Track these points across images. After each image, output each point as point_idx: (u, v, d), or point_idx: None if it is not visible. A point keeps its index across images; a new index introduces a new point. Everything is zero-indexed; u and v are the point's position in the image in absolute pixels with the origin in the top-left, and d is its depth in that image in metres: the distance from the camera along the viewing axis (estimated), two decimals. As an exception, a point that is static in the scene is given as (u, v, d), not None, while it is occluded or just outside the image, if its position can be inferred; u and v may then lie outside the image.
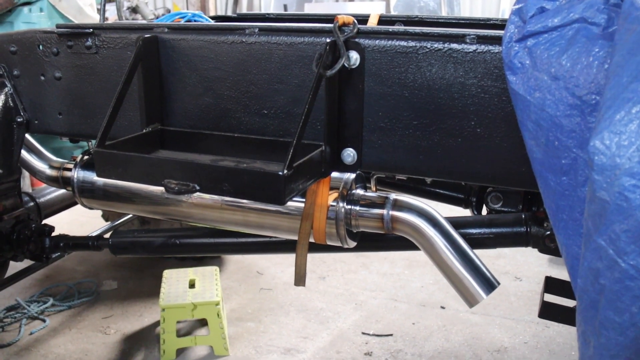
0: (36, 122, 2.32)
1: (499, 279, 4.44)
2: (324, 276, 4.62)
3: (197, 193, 2.15)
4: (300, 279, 2.12)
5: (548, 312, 2.35)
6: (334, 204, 2.04)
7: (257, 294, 4.33)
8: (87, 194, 2.40)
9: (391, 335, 3.81)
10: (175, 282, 3.72)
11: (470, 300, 2.03)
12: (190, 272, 3.85)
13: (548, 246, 2.32)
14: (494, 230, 2.37)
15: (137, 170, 1.70)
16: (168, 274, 3.83)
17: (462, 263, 2.02)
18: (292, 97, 1.85)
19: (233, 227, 2.24)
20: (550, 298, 2.41)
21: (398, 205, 2.03)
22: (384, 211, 2.03)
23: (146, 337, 3.79)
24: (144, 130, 1.99)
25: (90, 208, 2.54)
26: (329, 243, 2.11)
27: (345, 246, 2.13)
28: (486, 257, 4.96)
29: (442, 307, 4.19)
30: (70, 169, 2.52)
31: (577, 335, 1.62)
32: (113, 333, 3.82)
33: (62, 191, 3.36)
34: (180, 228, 3.05)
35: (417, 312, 4.11)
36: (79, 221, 5.08)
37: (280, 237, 2.27)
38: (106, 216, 4.70)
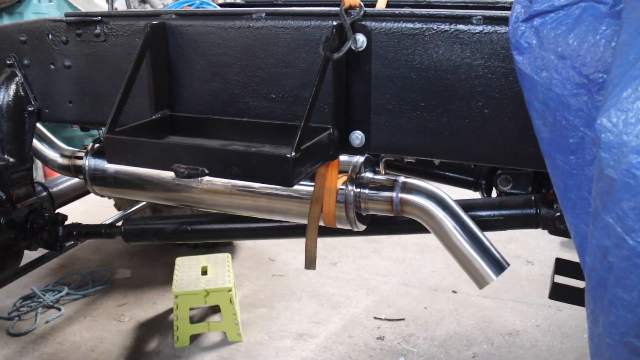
0: (47, 110, 2.34)
1: (511, 263, 4.46)
2: (336, 262, 4.64)
3: (207, 178, 2.18)
4: (310, 262, 2.13)
5: (558, 293, 2.35)
6: (343, 187, 2.04)
7: (269, 280, 4.35)
8: (98, 181, 2.42)
9: (403, 319, 3.83)
10: (187, 269, 3.75)
11: (480, 282, 2.04)
12: (202, 259, 3.88)
13: (558, 227, 2.32)
14: (503, 212, 2.37)
15: (147, 156, 1.71)
16: (181, 262, 3.86)
17: (472, 245, 2.02)
18: (300, 80, 1.85)
19: (243, 212, 2.26)
20: (560, 280, 2.41)
21: (407, 188, 2.04)
22: (393, 194, 2.04)
23: (160, 324, 3.83)
24: (153, 117, 2.00)
25: (102, 196, 2.56)
26: (338, 226, 2.12)
27: (355, 229, 2.14)
28: (498, 241, 4.94)
29: (454, 292, 4.20)
30: (81, 157, 2.54)
31: (586, 314, 1.63)
32: (127, 320, 3.86)
33: (75, 180, 3.39)
34: (192, 215, 3.07)
35: (429, 297, 4.13)
36: (92, 211, 5.10)
37: (291, 221, 2.28)
38: (118, 205, 4.74)
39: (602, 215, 1.47)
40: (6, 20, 4.51)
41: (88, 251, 4.84)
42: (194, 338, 3.62)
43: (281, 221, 2.52)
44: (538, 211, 2.35)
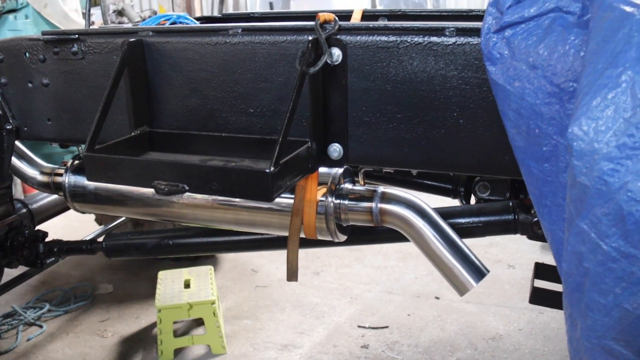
0: (25, 128, 2.34)
1: (492, 268, 4.49)
2: (318, 271, 4.65)
3: (188, 193, 2.20)
4: (292, 274, 2.14)
5: (538, 297, 2.38)
6: (323, 199, 2.06)
7: (252, 292, 4.36)
8: (79, 198, 2.42)
9: (387, 327, 3.85)
10: (170, 282, 3.74)
11: (461, 289, 2.07)
12: (185, 273, 3.88)
13: (536, 232, 2.36)
14: (482, 218, 2.40)
15: (127, 173, 1.72)
16: (163, 275, 3.86)
17: (451, 252, 2.05)
18: (278, 95, 1.87)
19: (225, 226, 2.27)
20: (540, 284, 2.44)
21: (386, 198, 2.07)
22: (373, 204, 2.06)
23: (144, 339, 3.82)
24: (133, 134, 2.01)
25: (83, 212, 2.56)
26: (319, 238, 2.14)
27: (336, 240, 2.16)
28: (478, 246, 5.01)
29: (437, 298, 4.23)
30: (61, 174, 2.55)
31: (564, 318, 1.66)
32: (110, 336, 3.85)
33: (54, 197, 3.37)
34: (173, 229, 3.07)
35: (412, 304, 4.15)
36: (72, 226, 5.09)
37: (272, 233, 2.30)
38: (99, 220, 4.72)
39: (577, 222, 1.50)
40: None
41: (69, 267, 4.81)
42: (177, 352, 3.61)
43: (263, 233, 2.54)
44: (516, 217, 2.39)
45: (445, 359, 3.52)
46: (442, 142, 1.76)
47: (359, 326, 3.87)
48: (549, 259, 4.66)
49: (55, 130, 2.27)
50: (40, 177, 2.68)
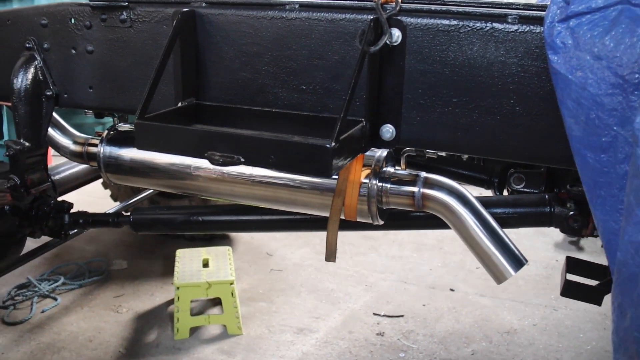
0: (66, 95, 2.32)
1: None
2: (333, 258, 4.64)
3: (227, 168, 2.19)
4: (331, 254, 2.14)
5: (570, 290, 2.38)
6: (366, 180, 2.06)
7: (267, 275, 4.36)
8: (112, 168, 2.40)
9: (402, 316, 3.85)
10: (188, 261, 3.74)
11: (499, 277, 2.06)
12: (203, 252, 3.87)
13: (571, 226, 2.36)
14: (518, 210, 2.40)
15: (179, 142, 1.71)
16: (181, 254, 3.85)
17: (491, 240, 2.04)
18: (332, 73, 1.86)
19: (263, 204, 2.26)
20: (571, 277, 2.44)
21: (429, 183, 2.06)
22: (415, 189, 2.05)
23: (158, 316, 3.82)
24: (180, 105, 1.99)
25: (115, 183, 2.55)
26: (359, 220, 2.13)
27: (376, 223, 2.16)
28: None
29: (452, 290, 4.23)
30: (95, 145, 2.53)
31: (612, 308, 1.66)
32: (125, 312, 3.85)
33: (76, 169, 3.38)
34: (203, 205, 3.06)
35: (427, 294, 4.15)
36: (86, 201, 5.07)
37: (311, 213, 2.30)
38: (115, 196, 4.71)
39: (637, 211, 1.49)
40: (16, 5, 4.45)
41: (83, 241, 4.81)
42: (193, 330, 3.61)
43: (295, 213, 2.53)
44: (552, 209, 2.39)
45: (460, 350, 3.53)
46: (497, 128, 1.75)
47: (375, 314, 3.87)
48: (562, 257, 4.67)
49: (96, 98, 2.25)
50: (73, 147, 2.67)
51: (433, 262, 4.65)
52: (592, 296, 2.35)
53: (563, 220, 2.36)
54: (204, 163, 2.22)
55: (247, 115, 1.97)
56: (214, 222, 2.67)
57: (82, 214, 2.92)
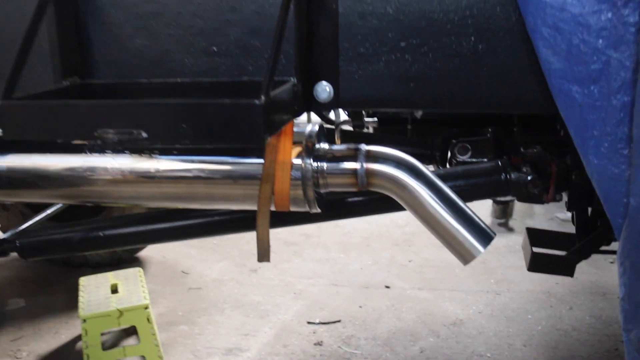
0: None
1: (439, 254, 4.25)
2: (256, 268, 4.27)
3: (130, 164, 1.79)
4: (264, 253, 1.78)
5: (538, 263, 2.13)
6: (298, 161, 1.72)
7: (185, 295, 3.92)
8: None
9: (339, 321, 3.52)
10: (94, 289, 3.26)
11: (466, 257, 1.76)
12: (110, 277, 3.40)
13: (530, 192, 2.10)
14: (470, 181, 2.12)
15: (60, 122, 1.31)
16: (85, 281, 3.36)
17: (453, 215, 1.74)
18: (248, 27, 1.51)
19: (177, 204, 1.89)
20: (537, 250, 2.19)
21: (372, 156, 1.75)
22: (357, 164, 1.74)
23: (66, 356, 3.31)
24: (60, 85, 1.58)
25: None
26: (292, 209, 1.79)
27: (313, 211, 1.82)
28: (420, 233, 4.78)
29: (387, 287, 3.94)
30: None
31: (619, 271, 1.39)
32: (25, 356, 3.31)
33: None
34: (102, 219, 2.63)
35: (362, 295, 3.84)
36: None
37: (235, 208, 1.94)
38: (4, 227, 4.14)
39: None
40: None
41: (-32, 283, 4.20)
42: (107, 367, 3.14)
43: (215, 213, 2.16)
44: (508, 177, 2.12)
45: (408, 349, 3.23)
46: (457, 74, 1.45)
47: (309, 322, 3.51)
48: (495, 240, 4.48)
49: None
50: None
51: (362, 260, 4.35)
52: (563, 267, 2.10)
53: (521, 187, 2.10)
54: (99, 162, 1.82)
55: (147, 90, 1.59)
56: (118, 237, 2.25)
57: (-46, 246, 2.42)
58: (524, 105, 1.48)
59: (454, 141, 2.31)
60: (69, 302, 3.82)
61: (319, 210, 1.82)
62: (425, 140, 2.44)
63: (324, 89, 1.48)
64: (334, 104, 1.50)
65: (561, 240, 2.22)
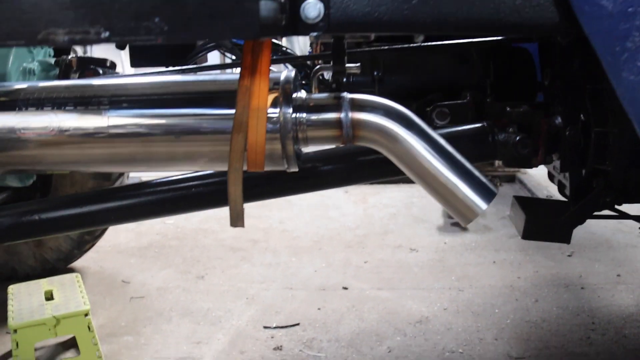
0: None
1: (394, 253, 4.07)
2: (202, 275, 3.96)
3: (73, 123, 1.52)
4: (237, 216, 1.53)
5: (533, 230, 1.95)
6: (275, 110, 1.49)
7: (127, 305, 3.57)
8: None
9: (298, 324, 3.26)
10: (26, 296, 2.90)
11: (467, 215, 1.55)
12: (44, 283, 3.05)
13: (520, 153, 1.92)
14: (456, 145, 1.92)
15: None
16: (15, 289, 3.00)
17: (452, 170, 1.54)
18: None
19: (130, 167, 1.62)
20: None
21: (357, 105, 1.54)
22: (341, 114, 1.53)
23: (-8, 376, 2.94)
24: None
25: None
26: (267, 168, 1.55)
27: (291, 170, 1.59)
28: (372, 234, 4.59)
29: (345, 288, 3.71)
30: None
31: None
32: (-56, 378, 2.92)
33: None
34: (35, 201, 2.31)
35: (319, 297, 3.60)
36: None
37: (200, 169, 1.68)
38: None
39: None
40: None
41: None
42: (42, 384, 2.79)
43: (172, 185, 1.90)
44: (495, 138, 1.94)
45: (374, 350, 3.00)
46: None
47: (265, 327, 3.24)
48: (449, 240, 4.34)
49: None
50: None
51: (316, 263, 4.11)
52: (559, 233, 1.93)
53: (510, 148, 1.92)
54: (34, 119, 1.55)
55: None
56: (59, 220, 1.94)
57: None
58: (541, 26, 1.29)
59: (432, 107, 2.13)
60: (-2, 315, 3.44)
61: (296, 169, 1.59)
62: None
63: (313, 5, 1.25)
64: (323, 26, 1.27)
65: (552, 207, 2.05)
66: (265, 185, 1.83)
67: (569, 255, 4.11)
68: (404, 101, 1.98)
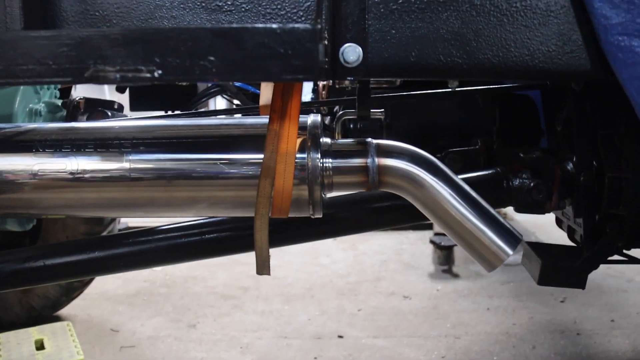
0: None
1: (387, 301, 4.04)
2: (194, 324, 3.87)
3: (93, 165, 1.49)
4: (263, 264, 1.49)
5: (549, 275, 1.93)
6: (303, 155, 1.47)
7: (117, 354, 3.47)
8: None
9: (295, 374, 3.19)
10: (15, 345, 2.80)
11: (492, 261, 1.53)
12: (34, 332, 2.94)
13: (535, 199, 1.92)
14: (470, 191, 1.93)
15: (41, 59, 0.99)
16: (4, 338, 2.89)
17: (477, 216, 1.52)
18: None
19: (148, 212, 1.58)
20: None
21: (383, 151, 1.53)
22: (368, 160, 1.51)
23: None
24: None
25: None
26: (291, 215, 1.52)
27: (315, 216, 1.56)
28: (364, 282, 4.54)
29: (340, 337, 3.64)
30: None
31: None
32: None
33: None
34: (39, 246, 2.24)
35: (315, 346, 3.53)
36: None
37: (222, 215, 1.65)
38: None
39: None
40: None
41: None
42: None
43: (189, 230, 1.86)
44: (509, 184, 1.94)
45: (375, 400, 2.94)
46: (517, 31, 1.25)
47: (262, 378, 3.17)
48: (441, 286, 4.31)
49: None
50: None
51: (309, 311, 4.05)
52: (575, 279, 1.91)
53: (525, 194, 1.92)
54: (52, 161, 1.51)
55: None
56: (68, 266, 1.88)
57: None
58: (574, 73, 1.30)
59: (445, 152, 2.13)
60: (-21, 369, 3.31)
61: (321, 215, 1.56)
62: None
63: (352, 50, 1.24)
64: (362, 69, 1.26)
65: (564, 252, 2.04)
66: (288, 230, 1.80)
67: (561, 301, 4.10)
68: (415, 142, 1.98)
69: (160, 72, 0.96)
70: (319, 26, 0.94)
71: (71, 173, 1.48)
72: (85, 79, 0.95)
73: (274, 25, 0.95)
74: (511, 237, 1.54)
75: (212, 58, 0.95)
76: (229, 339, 3.64)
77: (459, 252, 5.06)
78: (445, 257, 4.75)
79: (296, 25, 0.95)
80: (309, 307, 4.11)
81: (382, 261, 5.06)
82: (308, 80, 1.01)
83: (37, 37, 0.98)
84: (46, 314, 3.73)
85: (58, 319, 3.81)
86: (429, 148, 2.19)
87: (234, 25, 0.98)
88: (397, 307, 4.07)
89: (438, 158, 2.10)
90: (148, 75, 0.94)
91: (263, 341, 3.61)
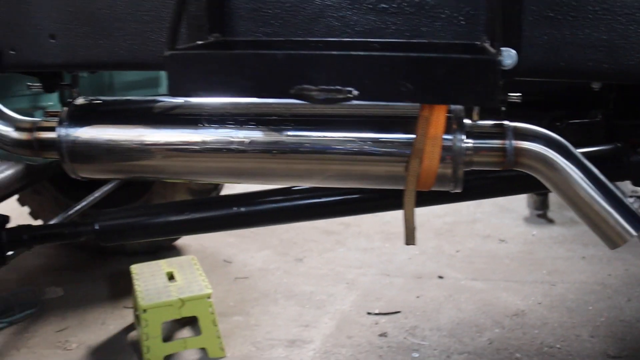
0: (13, 52, 1.68)
1: (484, 243, 4.14)
2: (301, 258, 4.13)
3: (252, 135, 1.65)
4: (411, 235, 1.66)
5: None
6: (449, 136, 1.60)
7: (232, 285, 3.78)
8: (82, 157, 1.79)
9: (399, 312, 3.40)
10: (150, 277, 3.11)
11: (616, 240, 1.64)
12: (163, 265, 3.25)
13: (651, 173, 1.99)
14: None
15: (249, 75, 1.15)
16: (138, 269, 3.21)
17: (604, 197, 1.63)
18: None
19: (307, 181, 1.76)
20: None
21: (520, 134, 1.64)
22: (506, 141, 1.63)
23: (117, 348, 3.16)
24: (204, 41, 1.43)
25: (84, 178, 1.92)
26: (434, 188, 1.67)
27: (457, 190, 1.70)
28: (461, 223, 4.68)
29: (440, 277, 3.83)
30: (49, 128, 1.88)
31: None
32: (75, 347, 3.15)
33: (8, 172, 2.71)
34: (191, 200, 2.47)
35: (416, 285, 3.73)
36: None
37: (371, 187, 1.81)
38: (36, 213, 3.99)
39: None
40: None
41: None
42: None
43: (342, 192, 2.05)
44: (629, 158, 2.02)
45: (475, 341, 3.12)
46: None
47: (369, 313, 3.39)
48: (537, 231, 4.38)
49: (63, 51, 1.63)
50: (16, 134, 1.98)
51: (409, 250, 4.23)
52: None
53: (642, 168, 1.99)
54: (226, 134, 1.67)
55: (304, 49, 1.44)
56: (225, 218, 2.10)
57: (25, 229, 2.27)
58: None
59: (560, 124, 2.20)
60: (111, 290, 3.70)
61: (461, 190, 1.70)
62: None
63: (509, 54, 1.34)
64: (514, 72, 1.37)
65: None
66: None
67: (657, 255, 4.12)
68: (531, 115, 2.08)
69: (356, 92, 1.09)
70: (499, 58, 1.04)
71: (237, 144, 1.65)
72: (289, 95, 1.10)
73: (467, 57, 1.06)
74: (635, 218, 1.64)
75: (406, 83, 1.08)
76: (334, 274, 3.89)
77: (554, 197, 5.10)
78: (540, 202, 4.81)
79: (483, 58, 1.06)
80: (409, 246, 4.29)
81: (478, 202, 5.15)
82: (488, 106, 1.13)
83: (251, 55, 1.13)
84: (164, 244, 4.05)
85: (174, 248, 4.15)
86: (546, 117, 2.28)
87: (429, 54, 1.09)
88: (494, 250, 4.20)
89: (558, 127, 2.20)
90: (343, 96, 1.08)
91: (367, 277, 3.84)
